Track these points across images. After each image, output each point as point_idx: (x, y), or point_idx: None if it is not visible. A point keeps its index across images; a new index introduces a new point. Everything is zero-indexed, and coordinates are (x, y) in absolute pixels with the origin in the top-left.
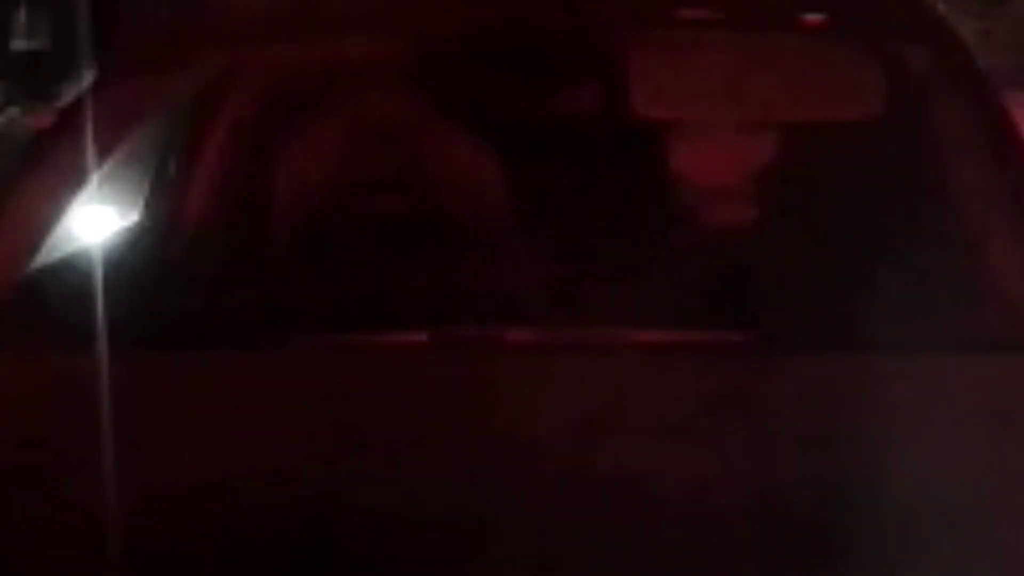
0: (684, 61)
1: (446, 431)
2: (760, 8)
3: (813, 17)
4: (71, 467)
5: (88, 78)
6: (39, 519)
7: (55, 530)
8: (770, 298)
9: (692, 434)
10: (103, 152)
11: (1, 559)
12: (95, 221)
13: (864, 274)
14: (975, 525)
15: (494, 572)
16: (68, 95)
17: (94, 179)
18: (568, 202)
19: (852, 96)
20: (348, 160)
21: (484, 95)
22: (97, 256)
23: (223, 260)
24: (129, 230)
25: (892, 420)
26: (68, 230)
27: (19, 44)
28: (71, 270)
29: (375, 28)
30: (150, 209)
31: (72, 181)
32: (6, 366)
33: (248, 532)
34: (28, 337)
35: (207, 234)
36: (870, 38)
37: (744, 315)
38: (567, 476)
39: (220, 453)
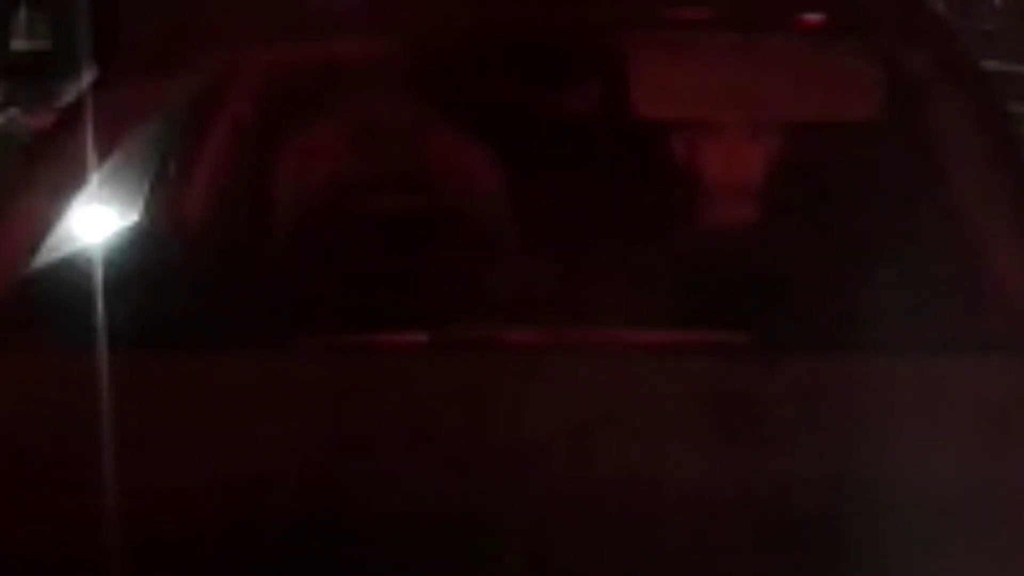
0: (684, 61)
1: (446, 431)
2: (760, 8)
3: (813, 17)
4: (71, 467)
5: (88, 78)
6: (39, 519)
7: (55, 530)
8: (769, 298)
9: (692, 434)
10: (103, 152)
11: (1, 558)
12: (95, 221)
13: (863, 274)
14: (975, 525)
15: (494, 572)
16: (68, 95)
17: (94, 179)
18: (567, 202)
19: (852, 96)
20: (348, 160)
21: (484, 95)
22: (97, 256)
23: (223, 260)
24: (129, 230)
25: (892, 421)
26: (68, 230)
27: (19, 44)
28: (71, 270)
29: (375, 28)
30: (150, 209)
31: (72, 181)
32: (6, 366)
33: (248, 532)
34: (28, 337)
35: (207, 234)
36: (870, 38)
37: (744, 315)
38: (567, 476)
39: (219, 453)
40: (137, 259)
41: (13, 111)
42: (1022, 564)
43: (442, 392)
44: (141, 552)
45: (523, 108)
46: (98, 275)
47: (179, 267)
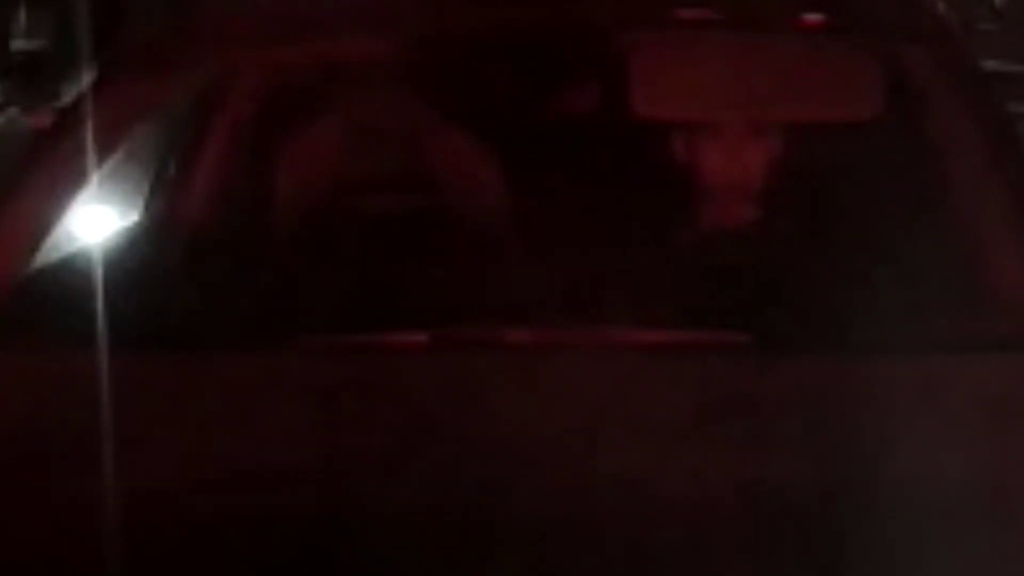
0: (684, 61)
1: (446, 431)
2: (760, 8)
3: (813, 17)
4: (71, 467)
5: (88, 78)
6: (39, 519)
7: (55, 530)
8: (770, 299)
9: (692, 434)
10: (103, 152)
11: (1, 558)
12: (95, 221)
13: (864, 274)
14: (975, 525)
15: (495, 572)
16: (68, 95)
17: (94, 179)
18: (568, 202)
19: (852, 96)
20: (348, 160)
21: (484, 95)
22: (97, 256)
23: (223, 260)
24: (129, 230)
25: (892, 420)
26: (68, 230)
27: (19, 44)
28: (71, 270)
29: (375, 28)
30: (150, 209)
31: (72, 181)
32: (6, 366)
33: (248, 532)
34: (28, 337)
35: (207, 234)
36: (870, 38)
37: (744, 316)
38: (567, 476)
39: (220, 453)
40: (137, 259)
41: (13, 111)
42: (1022, 563)
43: (442, 392)
44: (140, 551)
45: (523, 108)
46: (98, 275)
47: (179, 267)
